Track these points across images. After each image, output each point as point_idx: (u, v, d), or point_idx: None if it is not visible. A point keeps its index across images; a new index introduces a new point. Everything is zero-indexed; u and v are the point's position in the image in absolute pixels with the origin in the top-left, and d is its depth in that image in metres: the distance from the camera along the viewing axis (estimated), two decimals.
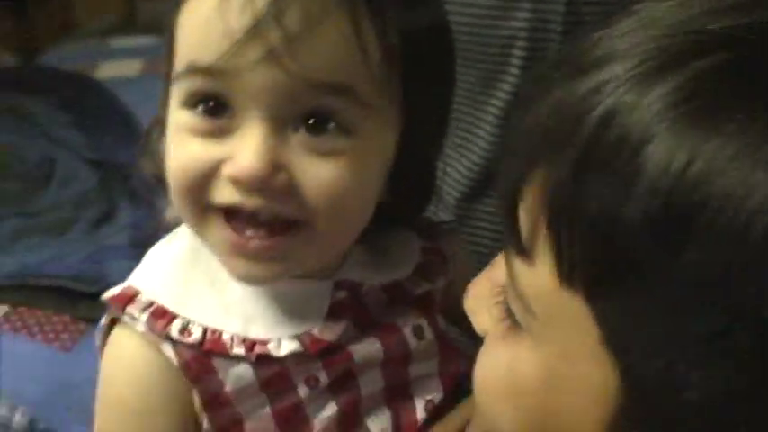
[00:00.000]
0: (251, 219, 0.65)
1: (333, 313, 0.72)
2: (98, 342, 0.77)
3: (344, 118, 0.65)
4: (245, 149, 0.63)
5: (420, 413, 0.76)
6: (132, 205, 2.15)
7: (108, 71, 2.92)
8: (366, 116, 0.66)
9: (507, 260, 0.48)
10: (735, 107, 0.39)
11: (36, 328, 1.78)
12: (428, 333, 0.73)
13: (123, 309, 0.72)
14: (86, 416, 1.80)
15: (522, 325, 0.47)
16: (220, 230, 0.66)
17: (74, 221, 2.13)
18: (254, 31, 0.61)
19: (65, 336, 1.75)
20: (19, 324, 1.79)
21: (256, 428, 0.72)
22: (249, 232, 0.65)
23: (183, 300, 0.72)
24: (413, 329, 0.75)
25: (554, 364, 0.46)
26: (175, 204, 0.68)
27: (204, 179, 0.65)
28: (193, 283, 0.73)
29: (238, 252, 0.66)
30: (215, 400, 0.71)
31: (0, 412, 1.60)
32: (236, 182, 0.64)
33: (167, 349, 0.71)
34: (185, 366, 0.70)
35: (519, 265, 0.47)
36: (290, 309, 0.72)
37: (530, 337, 0.47)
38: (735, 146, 0.39)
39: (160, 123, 0.71)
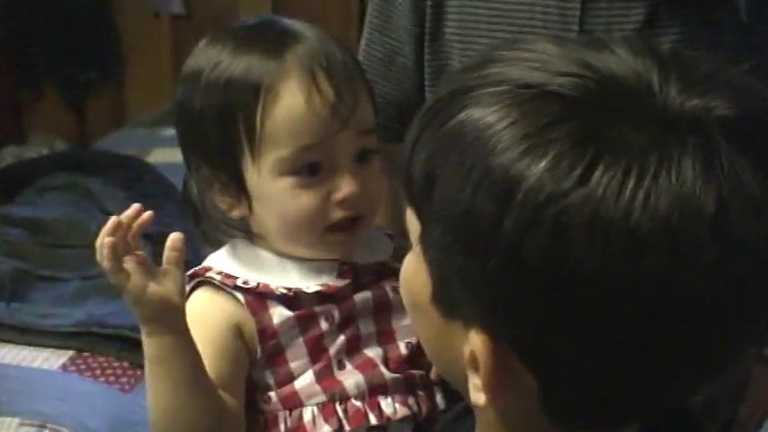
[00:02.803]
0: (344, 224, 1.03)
1: (340, 276, 1.05)
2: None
3: (372, 147, 1.04)
4: (346, 182, 1.01)
5: (403, 350, 1.06)
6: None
7: (158, 157, 3.14)
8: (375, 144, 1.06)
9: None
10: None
11: (99, 371, 1.96)
12: None
13: (204, 274, 1.03)
14: None
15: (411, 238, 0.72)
16: (336, 236, 1.02)
17: None
18: (334, 113, 1.00)
19: (124, 379, 1.94)
20: (84, 367, 1.97)
21: (295, 354, 1.02)
22: (344, 233, 1.03)
23: (240, 272, 1.04)
24: (392, 288, 1.05)
25: (414, 258, 0.71)
26: (292, 236, 1.03)
27: (322, 212, 1.01)
28: (243, 265, 1.05)
29: (342, 244, 1.04)
30: (266, 331, 1.01)
31: None
32: (346, 201, 1.01)
33: (237, 294, 1.02)
34: (248, 303, 1.02)
35: (409, 212, 0.71)
36: (313, 273, 1.05)
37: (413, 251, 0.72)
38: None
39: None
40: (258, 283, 1.02)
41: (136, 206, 0.96)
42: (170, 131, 3.38)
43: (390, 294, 1.05)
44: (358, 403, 1.02)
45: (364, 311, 1.05)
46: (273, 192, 1.01)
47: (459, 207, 0.62)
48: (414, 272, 0.71)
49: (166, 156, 3.10)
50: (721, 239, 0.58)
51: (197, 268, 1.04)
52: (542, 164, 0.59)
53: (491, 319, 0.63)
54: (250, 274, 1.03)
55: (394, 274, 1.02)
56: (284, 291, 1.02)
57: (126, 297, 0.94)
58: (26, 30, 3.73)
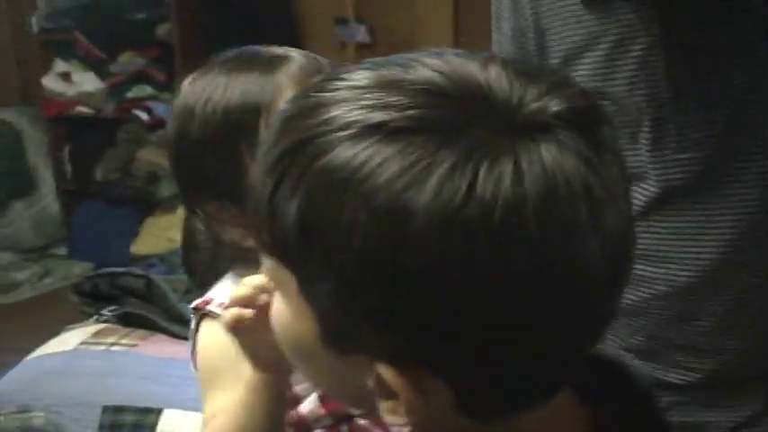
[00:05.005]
0: None
1: None
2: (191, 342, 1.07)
3: None
4: None
5: None
6: None
7: None
8: None
9: (263, 257, 0.71)
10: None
11: None
12: None
13: (204, 307, 1.04)
14: None
15: (277, 288, 0.72)
16: None
17: None
18: None
19: None
20: None
21: (298, 377, 0.96)
22: None
23: None
24: None
25: (290, 308, 0.69)
26: None
27: None
28: None
29: None
30: None
31: None
32: None
33: None
34: None
35: (265, 259, 0.70)
36: None
37: (279, 295, 0.71)
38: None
39: None
40: None
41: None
42: None
43: None
44: (362, 422, 1.04)
45: None
46: None
47: (352, 255, 0.61)
48: (292, 320, 0.70)
49: None
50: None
51: (198, 302, 1.05)
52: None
53: (407, 349, 0.63)
54: None
55: None
56: None
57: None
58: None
